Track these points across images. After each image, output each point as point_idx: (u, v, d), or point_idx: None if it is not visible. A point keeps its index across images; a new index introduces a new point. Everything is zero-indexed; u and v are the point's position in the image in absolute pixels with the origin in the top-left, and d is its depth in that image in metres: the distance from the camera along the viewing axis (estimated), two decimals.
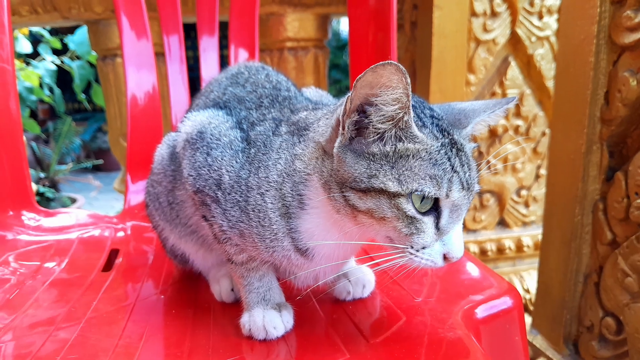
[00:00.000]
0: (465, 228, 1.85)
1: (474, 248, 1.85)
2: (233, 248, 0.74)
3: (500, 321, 0.77)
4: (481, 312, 0.76)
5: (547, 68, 1.72)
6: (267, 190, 0.69)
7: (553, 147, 1.28)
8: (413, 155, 0.61)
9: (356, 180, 0.62)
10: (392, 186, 0.60)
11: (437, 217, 0.62)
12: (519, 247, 1.87)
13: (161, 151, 0.89)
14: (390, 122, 0.60)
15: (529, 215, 1.88)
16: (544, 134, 1.79)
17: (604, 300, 1.14)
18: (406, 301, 0.80)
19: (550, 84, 1.73)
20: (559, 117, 1.23)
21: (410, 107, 0.59)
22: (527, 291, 1.84)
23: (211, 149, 0.74)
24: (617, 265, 1.08)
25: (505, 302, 0.78)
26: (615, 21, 1.04)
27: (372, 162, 0.61)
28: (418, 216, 0.61)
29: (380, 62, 0.56)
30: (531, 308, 1.69)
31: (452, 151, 0.62)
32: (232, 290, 0.85)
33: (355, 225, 0.64)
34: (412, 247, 0.62)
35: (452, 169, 0.61)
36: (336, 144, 0.63)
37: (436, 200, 0.61)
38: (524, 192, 1.85)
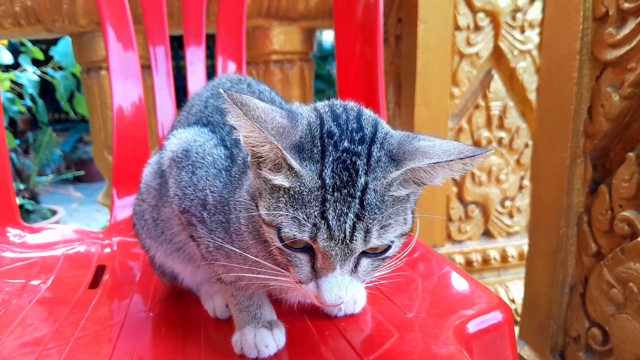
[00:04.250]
0: (450, 239, 1.86)
1: (460, 259, 1.86)
2: (221, 269, 0.74)
3: (491, 336, 0.78)
4: (472, 327, 0.77)
5: (530, 81, 1.75)
6: (240, 212, 0.67)
7: (537, 161, 1.30)
8: (285, 190, 0.57)
9: (254, 192, 0.61)
10: (263, 213, 0.58)
11: (314, 258, 0.58)
12: (504, 257, 1.88)
13: (146, 170, 0.89)
14: (270, 152, 0.57)
15: (513, 226, 1.90)
16: (527, 145, 1.82)
17: (589, 311, 1.16)
18: (398, 317, 0.80)
19: (532, 96, 1.76)
20: (543, 131, 1.25)
21: (268, 136, 0.55)
22: (513, 301, 1.86)
23: (196, 168, 0.73)
24: (602, 276, 1.10)
25: (496, 316, 0.79)
26: (598, 38, 1.06)
27: (262, 182, 0.60)
28: (287, 250, 0.58)
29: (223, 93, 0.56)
30: (517, 318, 1.71)
31: (334, 194, 0.55)
32: (227, 306, 0.84)
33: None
34: (292, 277, 0.61)
35: (322, 215, 0.55)
36: (248, 157, 0.63)
37: None
38: (508, 203, 1.87)
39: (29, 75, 2.53)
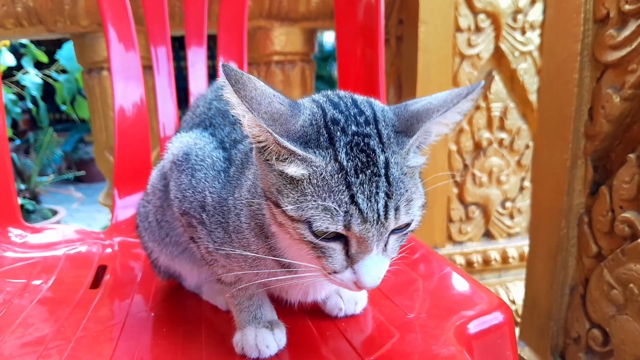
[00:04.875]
0: (451, 240, 1.86)
1: (460, 260, 1.86)
2: (221, 269, 0.74)
3: (492, 336, 0.78)
4: (473, 327, 0.77)
5: (530, 82, 1.76)
6: (240, 210, 0.67)
7: (538, 162, 1.30)
8: (306, 180, 0.56)
9: (270, 191, 0.59)
10: (290, 210, 0.57)
11: (347, 244, 0.57)
12: (505, 258, 1.88)
13: (153, 172, 0.89)
14: (261, 135, 0.56)
15: (514, 227, 1.90)
16: (527, 146, 1.82)
17: (590, 312, 1.16)
18: (398, 317, 0.80)
19: (533, 97, 1.76)
20: (544, 132, 1.25)
21: (261, 122, 0.54)
22: (513, 302, 1.86)
23: (195, 171, 0.73)
24: (602, 277, 1.10)
25: (497, 317, 0.79)
26: (599, 39, 1.06)
27: (279, 178, 0.58)
28: (320, 243, 0.57)
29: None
30: (517, 319, 1.71)
31: (358, 177, 0.55)
32: None
33: (285, 239, 0.62)
34: (324, 269, 0.60)
35: (352, 200, 0.54)
36: (254, 152, 0.62)
37: None
38: (508, 204, 1.87)
39: (32, 77, 2.54)
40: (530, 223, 1.36)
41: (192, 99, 1.41)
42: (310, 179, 0.56)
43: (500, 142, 1.80)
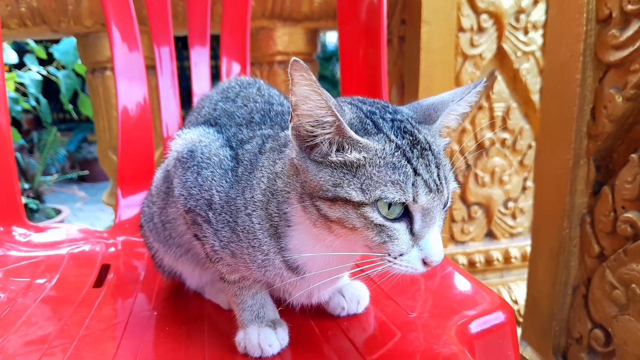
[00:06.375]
0: (453, 240, 1.86)
1: (463, 260, 1.86)
2: (225, 267, 0.74)
3: (494, 336, 0.78)
4: (475, 327, 0.77)
5: (533, 82, 1.75)
6: (253, 211, 0.68)
7: (540, 162, 1.30)
8: (368, 163, 0.59)
9: (323, 189, 0.61)
10: (356, 195, 0.59)
11: (410, 222, 0.60)
12: (507, 258, 1.88)
13: (157, 174, 0.89)
14: (324, 128, 0.60)
15: (516, 227, 1.90)
16: (530, 146, 1.82)
17: (592, 312, 1.16)
18: (400, 317, 0.80)
19: (536, 97, 1.76)
20: (546, 132, 1.25)
21: (334, 109, 0.58)
22: (515, 302, 1.86)
23: (202, 169, 0.73)
24: (604, 277, 1.10)
25: (498, 317, 0.79)
26: (601, 39, 1.06)
27: (334, 171, 0.61)
28: (387, 224, 0.59)
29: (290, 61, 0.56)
30: (520, 319, 1.71)
31: (413, 152, 0.60)
32: None
33: (332, 236, 0.63)
34: (389, 255, 0.61)
35: (415, 172, 0.59)
36: (294, 154, 0.63)
37: (406, 206, 0.59)
38: (511, 204, 1.87)
39: (32, 74, 2.54)
40: (533, 223, 1.36)
41: (195, 99, 1.41)
42: (371, 161, 0.59)
43: (503, 142, 1.80)
